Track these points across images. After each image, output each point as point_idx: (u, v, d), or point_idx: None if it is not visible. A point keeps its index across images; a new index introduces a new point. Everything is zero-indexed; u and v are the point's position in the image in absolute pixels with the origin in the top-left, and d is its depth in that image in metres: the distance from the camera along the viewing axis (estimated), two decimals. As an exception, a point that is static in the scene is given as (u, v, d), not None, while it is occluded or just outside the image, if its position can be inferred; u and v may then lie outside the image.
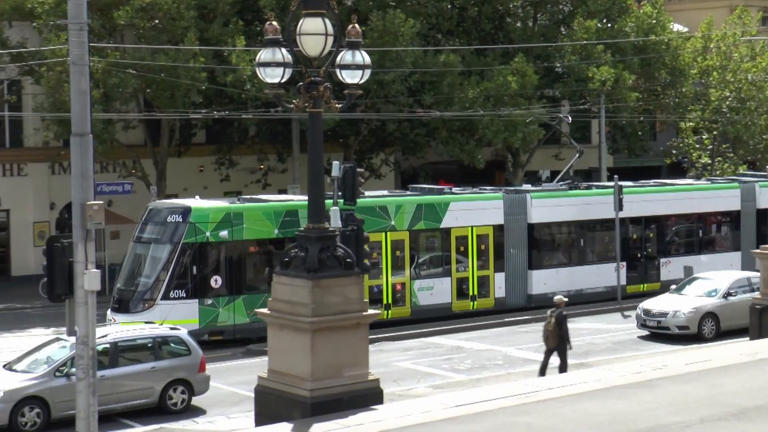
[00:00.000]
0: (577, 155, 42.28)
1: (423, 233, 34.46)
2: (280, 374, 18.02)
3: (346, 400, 17.56)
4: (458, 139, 45.34)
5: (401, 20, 41.29)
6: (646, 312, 31.59)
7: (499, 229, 35.61)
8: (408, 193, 36.55)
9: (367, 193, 36.19)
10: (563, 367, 25.11)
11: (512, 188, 38.97)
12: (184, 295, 30.45)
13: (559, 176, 41.76)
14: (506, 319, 34.65)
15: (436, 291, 34.33)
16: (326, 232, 18.09)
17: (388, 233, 33.45)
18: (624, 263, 37.83)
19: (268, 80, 18.01)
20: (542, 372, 25.01)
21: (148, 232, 31.41)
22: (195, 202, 31.94)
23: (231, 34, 39.87)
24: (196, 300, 30.51)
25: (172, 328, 24.85)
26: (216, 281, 30.89)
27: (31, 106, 42.92)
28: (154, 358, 23.35)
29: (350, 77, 18.09)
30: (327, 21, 17.56)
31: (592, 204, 37.65)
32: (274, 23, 17.99)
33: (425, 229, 34.54)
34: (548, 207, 36.85)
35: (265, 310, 18.65)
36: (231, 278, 31.09)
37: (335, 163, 29.84)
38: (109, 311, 30.50)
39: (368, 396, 17.91)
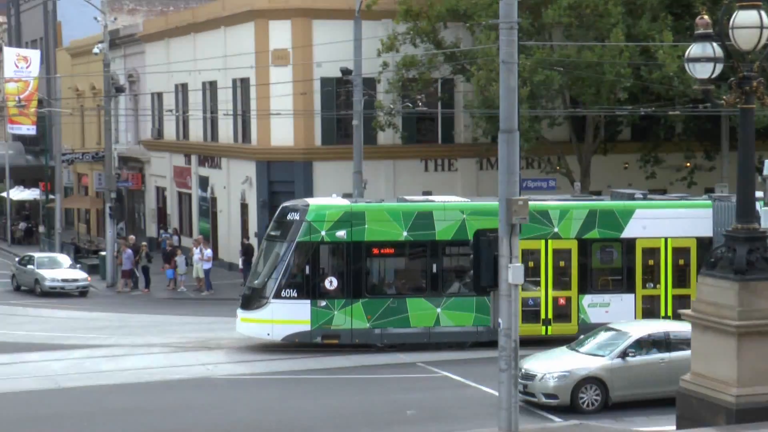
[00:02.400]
0: None
1: (597, 243, 30.86)
2: (703, 377, 17.51)
3: (776, 409, 16.74)
4: None
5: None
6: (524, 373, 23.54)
7: (705, 242, 30.53)
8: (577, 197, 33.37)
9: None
10: None
11: (726, 195, 33.56)
12: (296, 295, 29.41)
13: None
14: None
15: (614, 309, 30.37)
16: (756, 233, 17.35)
17: (550, 241, 30.38)
18: None
19: (698, 76, 17.53)
20: None
21: (272, 230, 30.98)
22: (316, 201, 31.20)
23: (659, 29, 39.21)
24: (309, 301, 29.38)
25: None
26: (331, 282, 29.52)
27: (462, 103, 44.48)
28: None
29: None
30: (762, 13, 16.85)
31: None
32: (706, 17, 17.50)
33: (600, 239, 30.79)
34: None
35: (688, 311, 18.21)
36: (349, 280, 29.58)
37: (767, 162, 28.46)
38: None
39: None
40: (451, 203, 30.91)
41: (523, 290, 29.58)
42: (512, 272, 18.08)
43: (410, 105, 41.73)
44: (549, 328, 30.35)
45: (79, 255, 54.04)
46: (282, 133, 44.69)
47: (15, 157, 75.19)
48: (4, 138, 77.65)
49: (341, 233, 29.37)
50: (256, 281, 30.41)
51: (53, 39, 75.46)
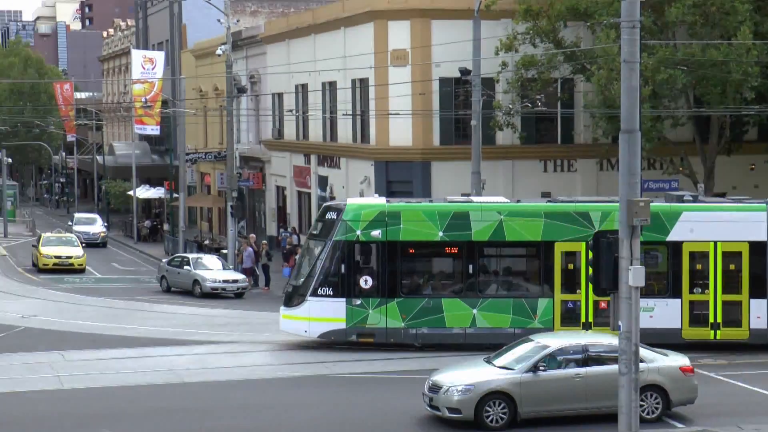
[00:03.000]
0: None
1: (641, 245, 29.91)
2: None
3: None
4: None
5: None
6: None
7: (759, 246, 29.58)
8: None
9: (560, 198, 32.75)
10: None
11: None
12: (332, 293, 29.56)
13: None
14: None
15: (659, 314, 29.53)
16: None
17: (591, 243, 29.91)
18: None
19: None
20: None
21: (314, 229, 31.34)
22: (355, 200, 31.12)
23: (788, 27, 38.29)
24: (344, 299, 29.50)
25: None
26: (366, 281, 29.54)
27: (582, 103, 44.06)
28: None
29: None
30: None
31: None
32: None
33: (643, 241, 29.55)
34: None
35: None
36: (384, 280, 29.56)
37: None
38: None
39: None
40: (488, 204, 30.62)
41: (562, 293, 29.69)
42: (633, 274, 17.89)
43: (529, 105, 41.51)
44: (590, 332, 29.54)
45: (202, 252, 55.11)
46: (400, 133, 44.86)
47: (141, 156, 77.15)
48: (131, 138, 79.63)
49: (376, 233, 29.50)
50: (296, 279, 30.82)
51: (178, 41, 77.05)
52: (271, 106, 57.93)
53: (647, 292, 29.16)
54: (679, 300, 29.72)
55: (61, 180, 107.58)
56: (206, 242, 59.41)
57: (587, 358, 21.84)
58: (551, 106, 44.29)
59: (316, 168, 52.76)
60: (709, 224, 29.86)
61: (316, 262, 29.91)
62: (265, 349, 31.05)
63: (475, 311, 29.61)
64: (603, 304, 28.98)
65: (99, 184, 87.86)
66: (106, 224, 70.99)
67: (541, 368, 21.52)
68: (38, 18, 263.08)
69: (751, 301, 29.67)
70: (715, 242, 29.75)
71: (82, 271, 52.19)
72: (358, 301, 29.53)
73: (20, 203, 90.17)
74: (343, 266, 29.55)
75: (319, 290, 29.66)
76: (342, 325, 29.61)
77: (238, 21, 62.01)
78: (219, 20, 51.42)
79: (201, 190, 72.86)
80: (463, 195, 35.01)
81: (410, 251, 29.85)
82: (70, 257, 52.15)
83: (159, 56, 65.61)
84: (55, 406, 23.95)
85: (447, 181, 42.97)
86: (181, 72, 70.87)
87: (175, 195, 63.12)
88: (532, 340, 22.74)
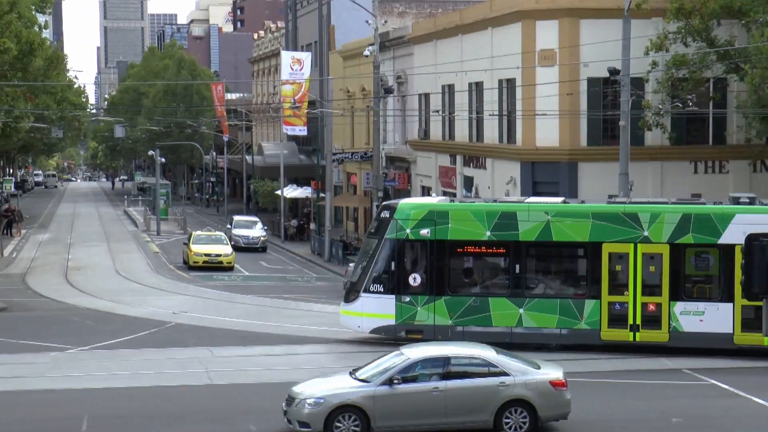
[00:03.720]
0: None
1: (691, 248, 29.29)
2: None
3: None
4: None
5: None
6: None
7: None
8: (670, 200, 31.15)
9: (616, 199, 32.17)
10: None
11: None
12: (383, 290, 30.29)
13: None
14: None
15: (710, 318, 28.90)
16: None
17: (639, 245, 29.19)
18: None
19: None
20: None
21: (371, 227, 32.18)
22: (409, 200, 31.26)
23: None
24: (394, 296, 30.15)
25: None
26: (415, 279, 30.15)
27: (735, 104, 42.94)
28: None
29: None
30: None
31: None
32: None
33: (694, 244, 29.14)
34: None
35: None
36: (432, 277, 30.02)
37: None
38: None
39: None
40: (536, 204, 30.75)
41: (609, 294, 29.44)
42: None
43: (680, 105, 40.67)
44: (637, 334, 29.46)
45: (347, 252, 55.68)
46: (547, 134, 44.46)
47: (289, 156, 78.35)
48: (279, 138, 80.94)
49: (425, 231, 30.00)
50: (353, 276, 31.69)
51: (327, 42, 77.99)
52: (418, 107, 58.13)
53: (697, 295, 29.38)
54: (731, 304, 28.91)
55: (212, 179, 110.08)
56: (352, 242, 59.96)
57: (449, 371, 20.89)
58: (702, 106, 43.25)
59: (461, 168, 52.72)
60: (764, 227, 28.23)
61: (369, 260, 30.74)
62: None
63: (521, 311, 29.80)
64: (651, 307, 29.17)
65: (248, 184, 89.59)
66: (265, 227, 68.63)
67: (395, 381, 20.64)
68: (192, 21, 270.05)
69: None
70: None
71: (230, 269, 53.30)
72: (408, 298, 30.18)
73: (172, 202, 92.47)
74: (393, 264, 30.32)
75: (372, 287, 30.51)
76: (392, 321, 30.32)
77: (385, 22, 62.48)
78: (367, 21, 51.88)
79: (347, 190, 73.59)
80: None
81: (458, 250, 30.28)
82: (220, 255, 53.28)
83: (306, 57, 66.53)
84: (203, 402, 24.50)
85: (594, 183, 42.42)
86: (329, 73, 71.72)
87: (321, 195, 63.87)
88: (400, 352, 21.76)
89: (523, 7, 44.99)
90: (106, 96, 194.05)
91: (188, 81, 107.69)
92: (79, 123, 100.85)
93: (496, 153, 48.26)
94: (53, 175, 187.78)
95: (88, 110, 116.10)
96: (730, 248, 28.62)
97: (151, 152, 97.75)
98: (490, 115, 48.26)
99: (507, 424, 20.73)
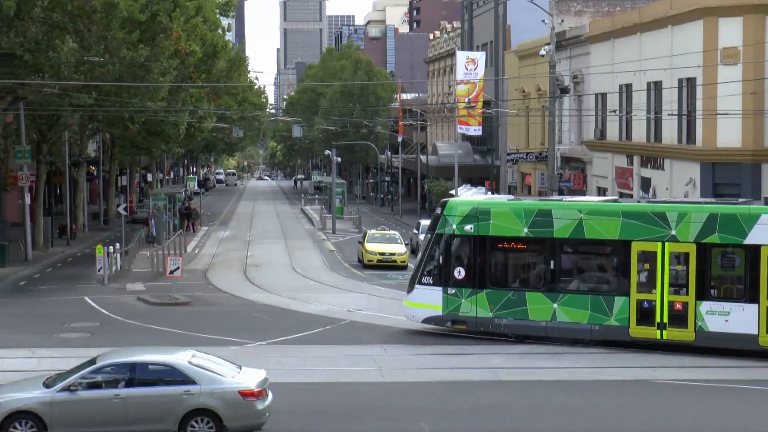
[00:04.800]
0: None
1: (717, 248, 28.89)
2: None
3: None
4: None
5: None
6: None
7: None
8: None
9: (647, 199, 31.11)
10: None
11: None
12: (432, 282, 31.85)
13: None
14: None
15: (735, 318, 28.40)
16: None
17: (667, 244, 29.18)
18: None
19: None
20: None
21: (430, 223, 33.48)
22: (461, 197, 31.90)
23: None
24: (441, 288, 31.61)
25: None
26: (459, 272, 31.48)
27: None
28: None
29: None
30: None
31: None
32: None
33: (721, 244, 28.67)
34: None
35: None
36: (475, 271, 31.30)
37: None
38: None
39: None
40: (569, 202, 31.58)
41: (638, 292, 29.40)
42: None
43: None
44: (664, 332, 29.43)
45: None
46: (729, 134, 43.27)
47: (463, 156, 78.42)
48: (453, 138, 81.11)
49: (469, 227, 31.42)
50: (414, 269, 33.42)
51: (502, 42, 77.73)
52: (594, 107, 57.37)
53: (723, 295, 29.05)
54: (756, 305, 28.41)
55: (386, 179, 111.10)
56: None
57: (133, 378, 20.53)
58: None
59: (638, 169, 51.78)
60: None
61: (423, 253, 32.53)
62: (582, 352, 30.72)
63: (555, 305, 30.51)
64: (678, 305, 29.17)
65: (422, 183, 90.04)
66: None
67: (73, 388, 20.33)
68: (369, 22, 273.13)
69: None
70: None
71: (404, 267, 53.57)
72: (453, 290, 31.63)
73: (347, 201, 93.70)
74: (441, 257, 31.83)
75: (423, 279, 32.20)
76: (439, 312, 31.90)
77: (562, 21, 61.80)
78: (543, 21, 51.42)
79: (522, 190, 73.18)
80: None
81: (498, 245, 31.47)
82: (393, 254, 53.65)
83: (480, 57, 66.44)
84: (376, 399, 24.72)
85: (778, 185, 41.08)
86: (505, 73, 71.42)
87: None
88: (93, 358, 21.49)
89: (705, 5, 43.89)
90: (285, 96, 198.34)
91: (365, 82, 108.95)
92: (259, 123, 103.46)
93: (675, 154, 47.21)
94: (233, 174, 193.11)
95: (268, 110, 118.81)
96: (755, 249, 28.48)
97: (327, 152, 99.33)
98: (668, 114, 47.27)
99: None
